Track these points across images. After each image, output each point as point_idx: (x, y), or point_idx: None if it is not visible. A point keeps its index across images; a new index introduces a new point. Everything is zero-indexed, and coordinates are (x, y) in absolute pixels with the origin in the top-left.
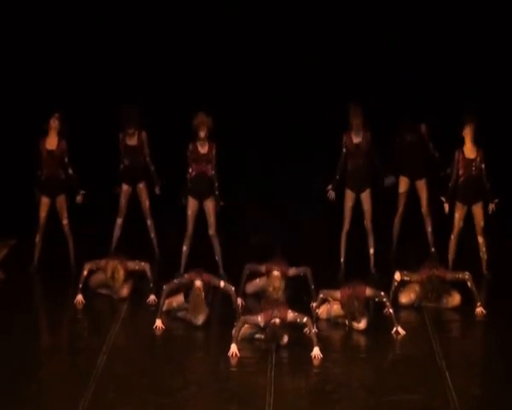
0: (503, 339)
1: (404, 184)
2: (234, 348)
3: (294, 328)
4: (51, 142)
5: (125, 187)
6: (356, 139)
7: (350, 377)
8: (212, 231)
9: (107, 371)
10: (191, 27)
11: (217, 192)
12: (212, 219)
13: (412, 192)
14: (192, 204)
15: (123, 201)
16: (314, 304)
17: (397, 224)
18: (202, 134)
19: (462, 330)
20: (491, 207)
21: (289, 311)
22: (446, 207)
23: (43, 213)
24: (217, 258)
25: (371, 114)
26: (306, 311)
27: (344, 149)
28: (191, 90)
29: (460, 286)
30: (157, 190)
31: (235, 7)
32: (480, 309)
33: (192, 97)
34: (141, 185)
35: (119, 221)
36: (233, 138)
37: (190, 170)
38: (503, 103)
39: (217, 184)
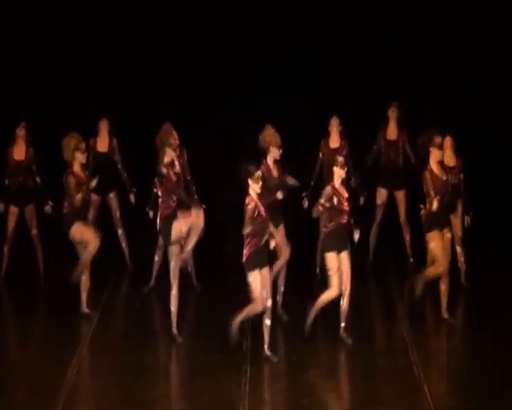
0: (482, 350)
1: (382, 196)
2: None
3: None
4: (19, 151)
5: (93, 197)
6: (333, 145)
7: (327, 389)
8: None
9: (78, 383)
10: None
11: (196, 196)
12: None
13: (390, 201)
14: None
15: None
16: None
17: (374, 233)
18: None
19: (441, 342)
20: (467, 220)
21: None
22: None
23: (11, 222)
24: (189, 269)
25: (350, 122)
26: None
27: (321, 155)
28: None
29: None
30: (132, 199)
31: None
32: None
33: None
34: (111, 195)
35: None
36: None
37: None
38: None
39: (194, 189)
